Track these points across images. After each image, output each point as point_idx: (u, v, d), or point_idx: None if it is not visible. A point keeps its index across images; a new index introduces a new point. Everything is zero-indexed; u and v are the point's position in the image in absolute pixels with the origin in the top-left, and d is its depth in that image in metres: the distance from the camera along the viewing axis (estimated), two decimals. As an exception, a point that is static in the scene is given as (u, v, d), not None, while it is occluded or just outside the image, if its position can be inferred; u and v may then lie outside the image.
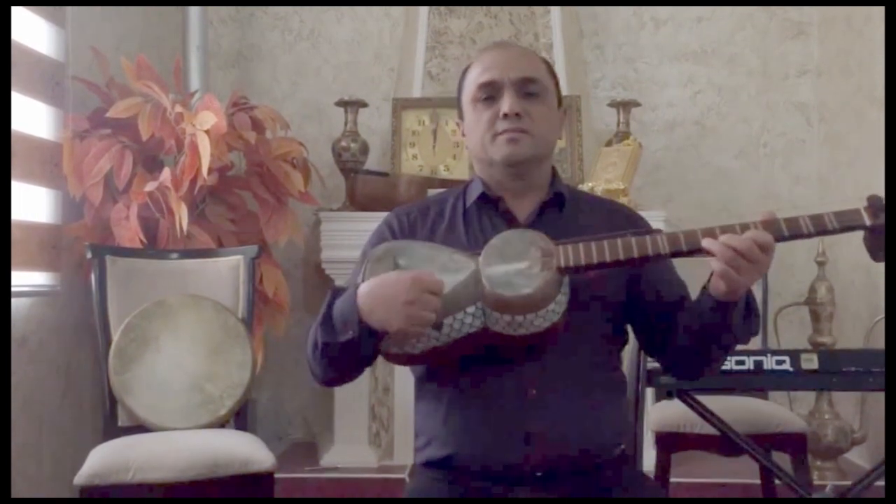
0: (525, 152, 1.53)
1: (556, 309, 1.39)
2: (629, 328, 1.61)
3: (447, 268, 1.43)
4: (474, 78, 1.58)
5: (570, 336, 1.44)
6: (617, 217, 1.62)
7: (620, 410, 1.56)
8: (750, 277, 1.35)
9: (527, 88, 1.55)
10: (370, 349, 1.44)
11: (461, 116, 1.63)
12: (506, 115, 1.52)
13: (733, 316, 1.41)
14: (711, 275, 1.39)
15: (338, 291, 1.49)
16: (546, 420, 1.45)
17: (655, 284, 1.55)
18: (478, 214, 1.59)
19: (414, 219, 1.61)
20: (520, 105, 1.53)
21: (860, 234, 1.38)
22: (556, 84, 1.62)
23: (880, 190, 1.39)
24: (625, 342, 1.61)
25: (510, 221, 1.56)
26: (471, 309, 1.41)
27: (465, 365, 1.47)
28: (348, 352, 1.44)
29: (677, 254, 1.41)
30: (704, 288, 1.43)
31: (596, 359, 1.52)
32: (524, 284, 1.37)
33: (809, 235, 1.38)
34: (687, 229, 1.41)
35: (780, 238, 1.37)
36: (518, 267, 1.39)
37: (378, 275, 1.43)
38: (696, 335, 1.46)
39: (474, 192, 1.60)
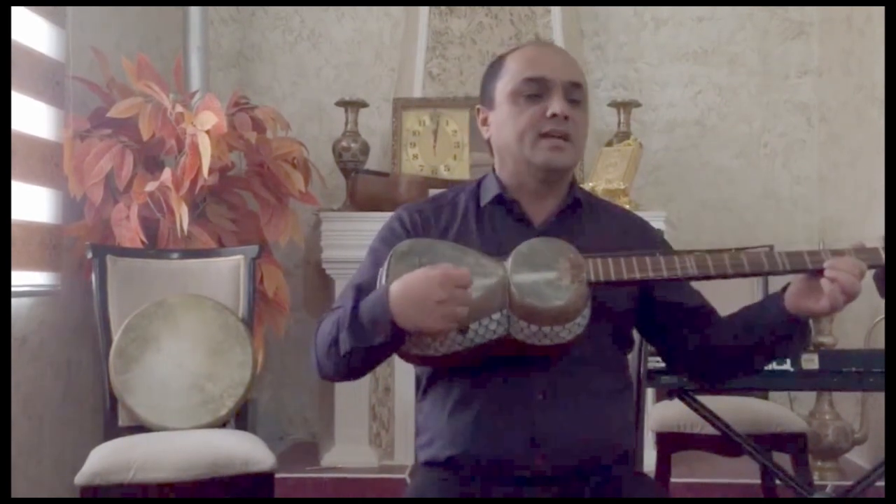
0: (565, 161, 1.51)
1: (582, 322, 1.38)
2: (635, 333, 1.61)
3: (475, 271, 1.39)
4: (519, 70, 1.52)
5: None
6: (630, 226, 1.61)
7: (626, 414, 1.56)
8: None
9: (573, 94, 1.51)
10: (394, 350, 1.42)
11: (488, 106, 1.57)
12: (555, 116, 1.48)
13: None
14: (784, 290, 1.42)
15: (361, 291, 1.46)
16: (553, 423, 1.44)
17: (671, 293, 1.55)
18: (491, 215, 1.56)
19: (426, 216, 1.57)
20: (568, 109, 1.50)
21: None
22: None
23: (880, 189, 1.39)
24: (631, 346, 1.61)
25: (525, 225, 1.54)
26: (496, 315, 1.38)
27: (474, 366, 1.45)
28: (373, 354, 1.43)
29: (704, 277, 1.41)
30: (778, 302, 1.43)
31: (604, 363, 1.51)
32: (555, 296, 1.35)
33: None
34: (716, 253, 1.41)
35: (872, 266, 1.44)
36: (547, 277, 1.37)
37: (401, 273, 1.39)
38: (749, 345, 1.48)
39: (490, 192, 1.57)
